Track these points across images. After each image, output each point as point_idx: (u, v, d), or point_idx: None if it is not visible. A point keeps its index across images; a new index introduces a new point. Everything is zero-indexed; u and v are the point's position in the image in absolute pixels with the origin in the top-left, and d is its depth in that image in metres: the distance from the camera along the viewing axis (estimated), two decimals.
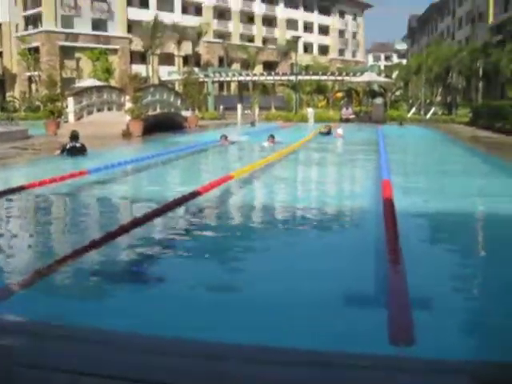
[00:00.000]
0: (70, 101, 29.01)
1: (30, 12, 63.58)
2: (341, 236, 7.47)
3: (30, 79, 63.09)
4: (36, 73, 59.49)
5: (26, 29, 64.39)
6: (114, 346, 3.36)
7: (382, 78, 47.52)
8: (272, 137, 19.33)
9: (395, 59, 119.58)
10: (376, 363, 3.12)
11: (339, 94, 52.21)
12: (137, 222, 7.05)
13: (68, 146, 16.22)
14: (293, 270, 5.67)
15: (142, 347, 3.29)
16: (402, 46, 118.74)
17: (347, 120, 38.07)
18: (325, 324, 4.25)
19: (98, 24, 64.45)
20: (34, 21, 63.78)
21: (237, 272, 5.87)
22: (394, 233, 6.29)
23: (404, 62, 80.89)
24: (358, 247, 6.69)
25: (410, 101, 49.55)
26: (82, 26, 62.88)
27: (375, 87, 46.60)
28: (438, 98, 48.57)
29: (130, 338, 3.54)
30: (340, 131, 24.52)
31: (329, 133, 25.75)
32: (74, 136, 16.46)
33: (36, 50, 60.95)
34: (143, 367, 2.92)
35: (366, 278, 5.36)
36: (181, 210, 8.46)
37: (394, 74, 56.32)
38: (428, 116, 41.68)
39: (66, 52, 61.58)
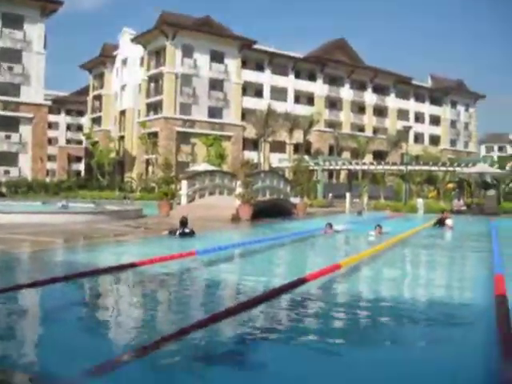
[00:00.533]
0: (184, 184, 30.07)
1: (151, 99, 67.46)
2: (448, 334, 7.11)
3: (147, 162, 66.22)
4: (153, 156, 62.42)
5: (147, 115, 68.15)
6: None
7: (495, 170, 46.21)
8: (379, 227, 18.90)
9: (509, 150, 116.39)
10: None
11: (450, 185, 51.18)
12: (242, 307, 7.07)
13: (177, 233, 16.67)
14: (397, 369, 5.44)
15: None
16: None
17: (458, 212, 37.01)
18: None
19: (214, 112, 67.24)
20: (154, 107, 67.50)
21: (337, 366, 5.70)
22: (507, 332, 5.94)
23: None
24: (468, 346, 6.36)
25: None
26: (199, 113, 65.84)
27: (488, 178, 45.33)
28: None
29: None
30: (449, 222, 23.52)
31: (443, 221, 24.53)
32: (183, 222, 16.92)
33: (155, 134, 64.22)
34: None
35: (477, 381, 5.05)
36: (285, 297, 8.40)
37: (508, 165, 54.70)
38: None
39: (183, 137, 64.35)
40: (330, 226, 19.73)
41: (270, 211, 28.11)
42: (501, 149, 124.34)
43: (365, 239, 18.72)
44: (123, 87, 75.64)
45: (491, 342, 6.01)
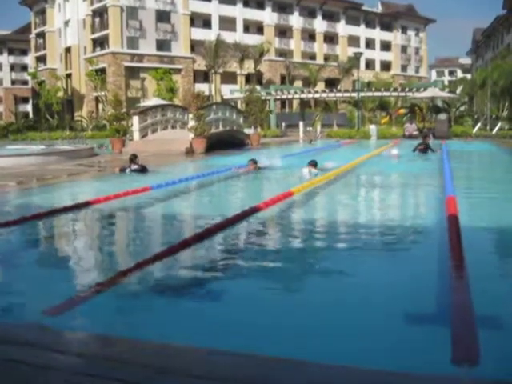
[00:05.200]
0: (135, 119, 29.64)
1: (97, 35, 65.59)
2: (404, 252, 7.32)
3: (97, 99, 64.89)
4: (103, 93, 61.10)
5: (93, 51, 66.35)
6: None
7: (445, 94, 46.75)
8: (313, 164, 15.43)
9: (459, 74, 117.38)
10: None
11: (402, 111, 51.65)
12: (198, 237, 7.13)
13: (127, 171, 16.54)
14: (353, 287, 5.59)
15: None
16: (466, 61, 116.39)
17: (410, 136, 37.51)
18: (384, 342, 4.16)
19: (162, 44, 65.81)
20: (101, 43, 65.73)
21: (295, 288, 5.82)
22: (458, 249, 6.14)
23: (469, 76, 79.30)
24: (422, 263, 6.56)
25: (476, 116, 48.50)
26: (147, 47, 64.34)
27: (439, 103, 45.88)
28: (505, 113, 47.31)
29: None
30: (395, 151, 22.61)
31: (424, 147, 23.84)
32: (132, 159, 16.79)
33: (103, 70, 62.69)
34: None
35: (430, 295, 5.24)
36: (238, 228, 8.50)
37: (459, 89, 55.38)
38: (494, 131, 40.65)
39: (132, 72, 63.10)
40: (254, 162, 17.12)
41: (224, 143, 28.05)
42: (451, 73, 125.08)
43: (291, 176, 16.56)
44: (67, 23, 73.03)
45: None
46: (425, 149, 23.89)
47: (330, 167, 16.47)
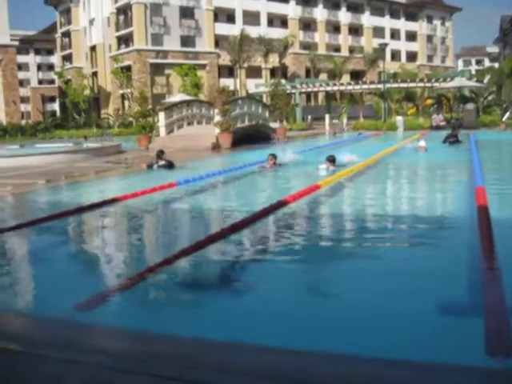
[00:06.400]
0: (161, 116, 29.77)
1: (121, 32, 65.87)
2: (434, 244, 7.25)
3: (123, 96, 65.24)
4: (128, 90, 61.42)
5: (118, 48, 66.70)
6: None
7: (473, 83, 46.12)
8: (331, 160, 14.70)
9: (487, 63, 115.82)
10: (472, 375, 3.00)
11: (429, 101, 51.06)
12: (224, 233, 7.13)
13: (155, 167, 16.61)
14: (384, 279, 5.55)
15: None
16: (493, 49, 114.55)
17: (438, 127, 37.08)
18: (418, 333, 4.12)
19: (187, 40, 65.92)
20: (125, 40, 66.06)
21: (326, 282, 5.80)
22: (489, 240, 6.07)
23: (496, 65, 78.12)
24: (453, 255, 6.49)
25: (504, 105, 47.73)
26: (171, 43, 64.51)
27: (466, 92, 45.30)
28: None
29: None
30: (423, 143, 21.48)
31: (455, 139, 23.70)
32: (159, 155, 16.86)
33: (128, 68, 63.01)
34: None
35: (462, 286, 5.18)
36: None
37: (486, 79, 54.58)
38: None
39: (157, 69, 63.35)
40: (274, 157, 16.02)
41: (250, 137, 28.02)
42: (478, 62, 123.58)
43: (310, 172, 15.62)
44: (91, 21, 73.49)
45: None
46: (455, 140, 23.69)
47: (350, 161, 15.89)
